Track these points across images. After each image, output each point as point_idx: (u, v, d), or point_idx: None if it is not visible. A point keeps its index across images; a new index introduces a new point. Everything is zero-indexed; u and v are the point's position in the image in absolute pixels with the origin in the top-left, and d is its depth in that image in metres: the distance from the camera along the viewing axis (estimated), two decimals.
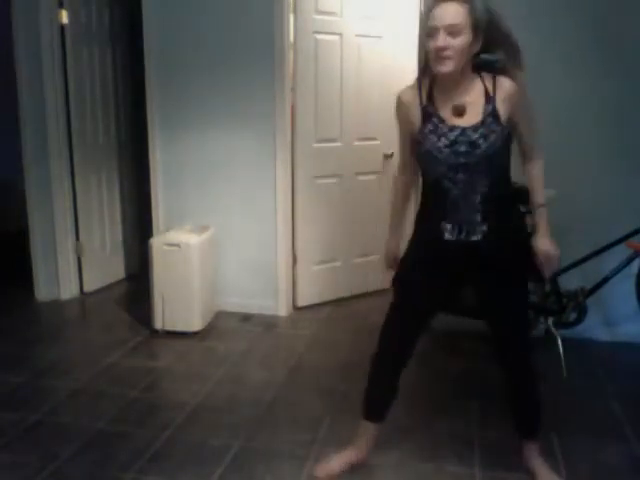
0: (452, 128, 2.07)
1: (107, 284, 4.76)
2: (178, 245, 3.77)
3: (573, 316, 3.49)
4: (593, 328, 3.67)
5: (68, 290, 4.47)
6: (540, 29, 3.57)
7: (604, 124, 3.59)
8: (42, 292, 4.44)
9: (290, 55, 3.95)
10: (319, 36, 4.05)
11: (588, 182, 3.63)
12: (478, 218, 2.10)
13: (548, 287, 3.47)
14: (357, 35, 4.20)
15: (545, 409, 2.96)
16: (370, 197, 4.47)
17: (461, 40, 1.96)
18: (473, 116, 2.05)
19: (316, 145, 4.19)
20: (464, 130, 2.05)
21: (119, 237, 4.94)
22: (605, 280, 3.41)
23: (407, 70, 4.55)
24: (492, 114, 2.04)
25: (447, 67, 1.99)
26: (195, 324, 3.83)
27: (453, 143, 2.06)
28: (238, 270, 4.20)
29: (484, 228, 2.11)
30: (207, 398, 3.06)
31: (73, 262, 4.49)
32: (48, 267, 4.41)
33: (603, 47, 3.52)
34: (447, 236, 2.14)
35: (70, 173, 4.37)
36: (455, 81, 2.06)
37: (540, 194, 2.21)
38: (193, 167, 4.14)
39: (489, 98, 2.04)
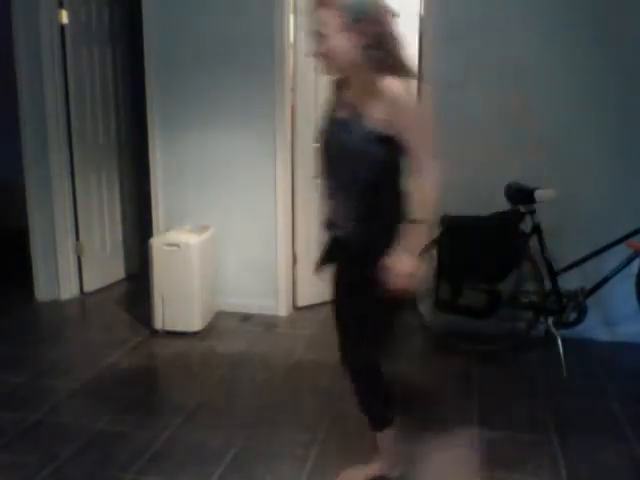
0: (332, 121, 2.09)
1: (107, 284, 4.76)
2: (178, 245, 3.76)
3: (573, 316, 3.49)
4: (593, 328, 3.68)
5: (68, 290, 4.47)
6: (540, 29, 3.57)
7: (604, 124, 3.59)
8: (42, 292, 4.44)
9: (290, 55, 3.95)
10: None
11: (588, 182, 3.63)
12: (345, 215, 2.08)
13: (548, 287, 3.48)
14: None
15: (545, 409, 2.97)
16: None
17: (337, 41, 1.93)
18: (350, 113, 2.01)
19: (316, 145, 4.18)
20: (337, 124, 2.05)
21: (119, 237, 4.94)
22: (605, 280, 3.42)
23: None
24: (366, 114, 1.96)
25: (328, 69, 2.02)
26: (195, 324, 3.83)
27: (328, 136, 2.09)
28: (238, 270, 4.19)
29: (349, 226, 2.08)
30: (207, 398, 3.06)
31: (73, 262, 4.49)
32: (48, 267, 4.41)
33: (603, 47, 3.52)
34: (327, 228, 2.16)
35: (70, 173, 4.37)
36: (346, 77, 2.06)
37: (415, 211, 1.98)
38: (193, 167, 4.14)
39: (372, 98, 1.96)
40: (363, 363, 2.25)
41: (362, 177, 2.02)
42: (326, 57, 1.98)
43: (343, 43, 1.94)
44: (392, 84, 1.93)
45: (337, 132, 2.05)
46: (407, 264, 1.97)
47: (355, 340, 2.22)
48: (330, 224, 2.16)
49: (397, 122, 1.93)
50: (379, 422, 2.35)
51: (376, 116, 1.94)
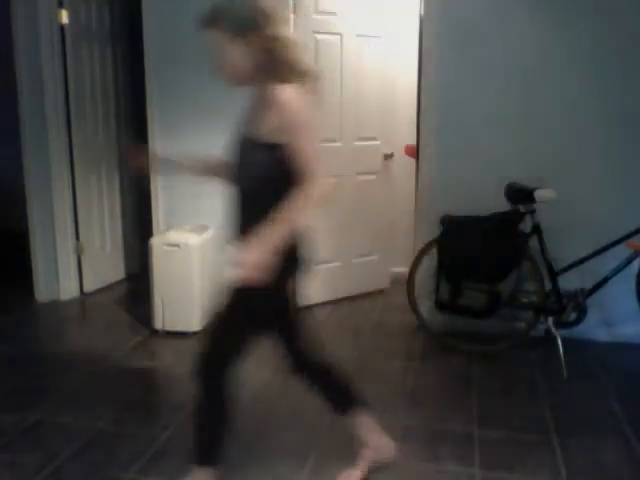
0: (239, 130, 2.11)
1: (107, 284, 4.76)
2: (178, 245, 3.76)
3: (573, 316, 3.49)
4: (593, 328, 3.68)
5: (68, 290, 4.47)
6: (541, 28, 3.57)
7: (604, 124, 3.59)
8: (42, 292, 4.44)
9: None
10: (319, 36, 4.05)
11: (588, 182, 3.64)
12: (239, 224, 2.08)
13: (548, 287, 3.48)
14: (357, 35, 4.20)
15: (545, 409, 2.97)
16: (370, 197, 4.47)
17: (229, 56, 1.99)
18: (250, 122, 2.05)
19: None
20: (241, 134, 2.08)
21: (119, 237, 4.94)
22: (605, 280, 3.41)
23: (407, 70, 4.58)
24: (259, 122, 1.98)
25: (229, 82, 2.07)
26: (195, 324, 3.83)
27: (233, 146, 2.10)
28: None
29: (242, 239, 2.06)
30: None
31: (73, 262, 4.49)
32: (48, 267, 4.41)
33: (604, 47, 3.52)
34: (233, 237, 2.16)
35: (70, 173, 4.37)
36: (252, 90, 2.10)
37: (277, 215, 1.92)
38: None
39: (265, 107, 1.97)
40: (307, 361, 2.26)
41: (252, 185, 2.02)
42: (224, 72, 2.03)
43: (234, 56, 1.97)
44: (282, 91, 1.92)
45: (239, 142, 2.07)
46: (254, 257, 1.90)
47: (283, 342, 2.22)
48: (234, 233, 2.13)
49: (285, 130, 1.91)
50: (346, 405, 2.32)
51: (266, 124, 1.94)
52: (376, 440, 2.39)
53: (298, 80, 1.98)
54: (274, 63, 1.97)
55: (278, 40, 1.96)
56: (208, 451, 2.22)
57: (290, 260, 2.03)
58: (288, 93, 1.93)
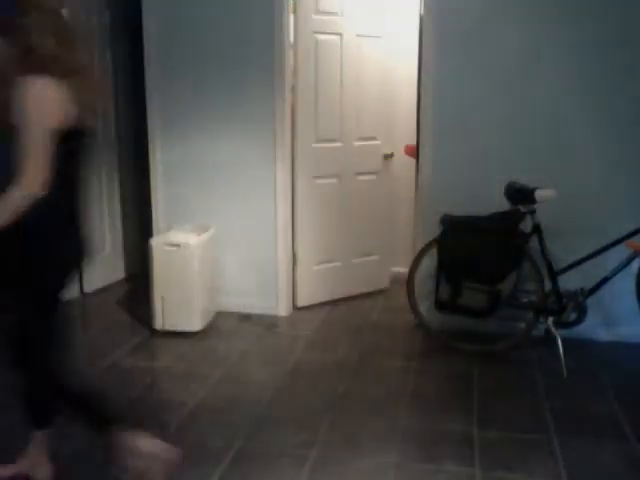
0: None
1: (107, 284, 4.76)
2: (178, 245, 3.77)
3: (573, 316, 3.49)
4: (593, 328, 3.68)
5: (68, 290, 4.46)
6: (540, 28, 3.57)
7: (604, 124, 3.59)
8: None
9: (290, 55, 3.95)
10: (319, 36, 4.05)
11: (588, 182, 3.64)
12: None
13: (548, 287, 3.48)
14: (357, 35, 4.21)
15: (545, 409, 2.97)
16: (370, 197, 4.47)
17: None
18: None
19: (316, 145, 4.19)
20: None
21: (119, 237, 4.94)
22: (605, 280, 3.41)
23: (407, 70, 4.58)
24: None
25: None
26: (195, 324, 3.83)
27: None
28: (238, 270, 4.19)
29: None
30: (207, 398, 3.06)
31: None
32: None
33: (605, 46, 3.52)
34: None
35: None
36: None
37: None
38: (193, 167, 4.14)
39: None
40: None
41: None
42: None
43: None
44: (24, 82, 1.77)
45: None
46: None
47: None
48: None
49: (18, 124, 1.79)
50: (44, 419, 2.37)
51: (12, 115, 1.82)
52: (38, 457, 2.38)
53: (52, 71, 1.81)
54: (21, 54, 1.81)
55: (20, 27, 1.79)
56: (110, 421, 2.31)
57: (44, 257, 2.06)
58: (29, 85, 1.77)
